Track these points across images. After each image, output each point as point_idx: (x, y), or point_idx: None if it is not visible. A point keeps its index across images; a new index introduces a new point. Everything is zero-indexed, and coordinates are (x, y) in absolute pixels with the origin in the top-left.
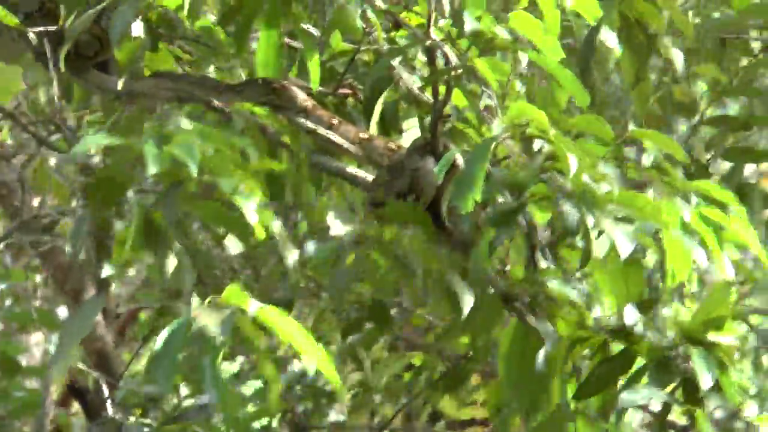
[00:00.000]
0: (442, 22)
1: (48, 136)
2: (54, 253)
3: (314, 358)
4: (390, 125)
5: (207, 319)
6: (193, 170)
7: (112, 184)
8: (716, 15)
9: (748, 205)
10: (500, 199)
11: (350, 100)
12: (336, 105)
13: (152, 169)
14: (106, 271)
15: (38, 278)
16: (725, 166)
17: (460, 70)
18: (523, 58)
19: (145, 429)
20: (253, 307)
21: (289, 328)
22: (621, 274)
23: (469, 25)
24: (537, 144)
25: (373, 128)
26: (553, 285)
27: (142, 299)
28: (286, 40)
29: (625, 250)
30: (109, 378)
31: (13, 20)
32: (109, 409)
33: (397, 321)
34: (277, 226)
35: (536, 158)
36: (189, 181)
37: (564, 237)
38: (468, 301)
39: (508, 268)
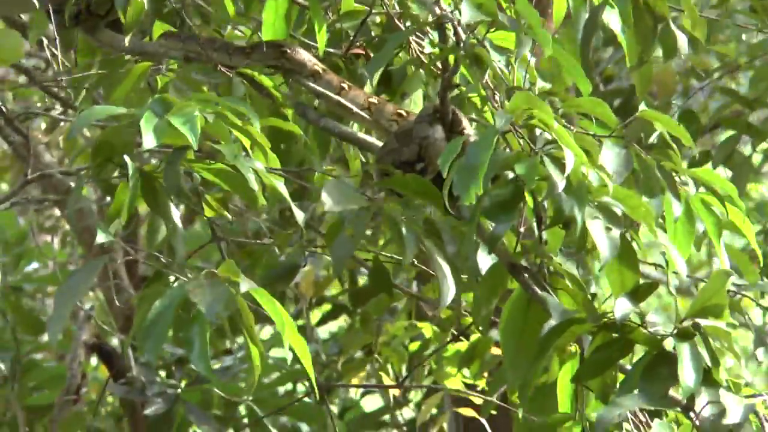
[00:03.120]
0: None
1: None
2: (81, 215)
3: (294, 342)
4: (397, 88)
5: (200, 296)
6: (194, 144)
7: (113, 147)
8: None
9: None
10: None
11: (361, 61)
12: (347, 66)
13: (149, 142)
14: (100, 238)
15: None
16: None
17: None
18: (527, 41)
19: (169, 390)
20: (245, 285)
21: (275, 311)
22: (615, 264)
23: (467, 14)
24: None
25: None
26: (557, 259)
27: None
28: None
29: (606, 255)
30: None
31: None
32: (134, 370)
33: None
34: (283, 189)
35: (537, 143)
36: (190, 148)
37: (554, 222)
38: (448, 292)
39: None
